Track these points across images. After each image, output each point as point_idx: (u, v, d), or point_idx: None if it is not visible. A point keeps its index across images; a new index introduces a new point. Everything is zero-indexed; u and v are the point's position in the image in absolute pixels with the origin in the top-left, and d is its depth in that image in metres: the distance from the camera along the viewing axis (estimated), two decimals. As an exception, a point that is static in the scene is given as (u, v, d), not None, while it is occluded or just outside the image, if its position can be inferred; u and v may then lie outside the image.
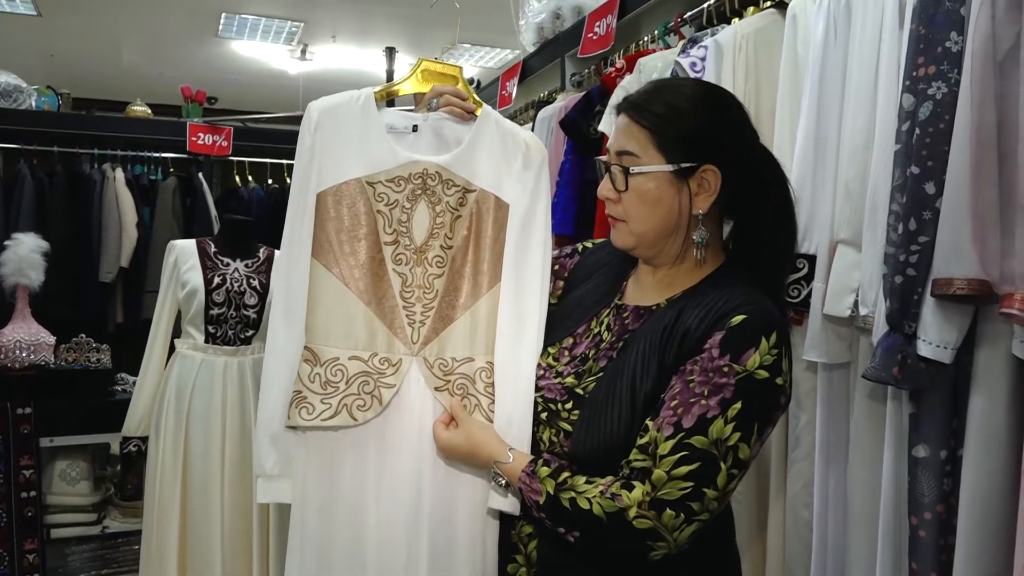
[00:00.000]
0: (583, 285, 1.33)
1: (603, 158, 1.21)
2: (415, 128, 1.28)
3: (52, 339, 3.19)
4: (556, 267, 1.37)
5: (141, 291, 3.88)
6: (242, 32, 6.39)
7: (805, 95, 1.64)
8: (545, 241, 1.30)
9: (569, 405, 1.16)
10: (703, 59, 1.92)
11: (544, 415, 1.19)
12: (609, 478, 1.07)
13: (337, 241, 1.24)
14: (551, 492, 1.08)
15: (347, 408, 1.20)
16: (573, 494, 1.06)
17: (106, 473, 3.65)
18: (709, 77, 1.87)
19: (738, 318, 1.07)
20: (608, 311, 1.25)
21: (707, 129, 1.15)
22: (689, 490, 1.02)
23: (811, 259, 1.61)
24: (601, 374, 1.16)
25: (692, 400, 1.04)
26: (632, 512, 1.03)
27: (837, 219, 1.56)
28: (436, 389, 1.23)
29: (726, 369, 1.04)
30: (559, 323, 1.29)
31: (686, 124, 1.14)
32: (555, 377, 1.22)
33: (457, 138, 1.29)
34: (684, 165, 1.13)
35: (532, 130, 2.81)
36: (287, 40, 6.56)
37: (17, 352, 3.05)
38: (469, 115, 1.30)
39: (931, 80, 1.32)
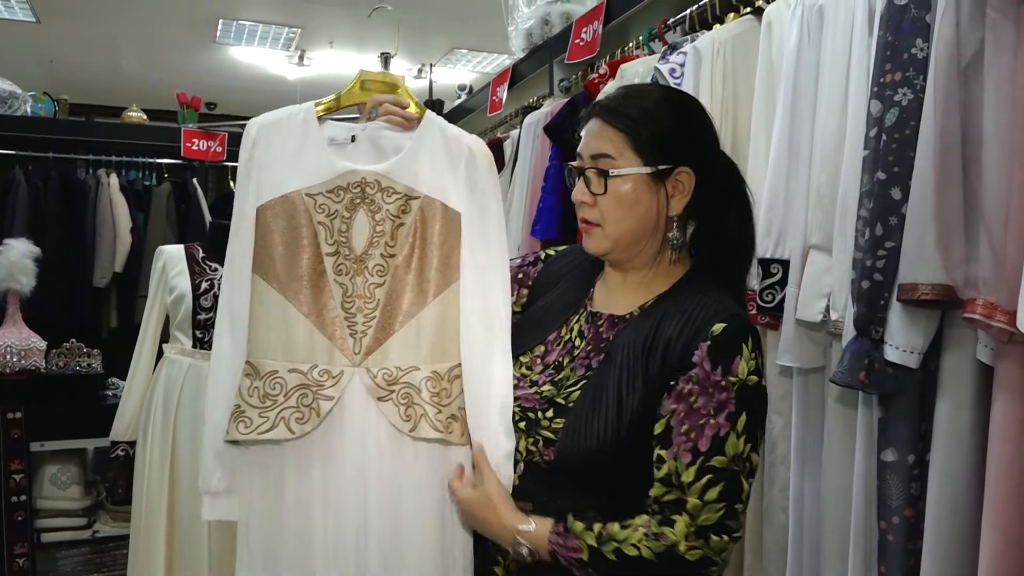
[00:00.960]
0: (549, 293, 1.33)
1: (574, 164, 1.21)
2: (353, 139, 1.27)
3: (43, 344, 3.20)
4: (520, 275, 1.37)
5: (135, 296, 3.90)
6: (240, 38, 6.42)
7: (779, 101, 1.65)
8: (500, 245, 1.28)
9: (550, 414, 1.16)
10: (682, 65, 1.93)
11: (523, 424, 1.18)
12: (643, 518, 1.07)
13: (277, 254, 1.22)
14: (593, 545, 1.06)
15: (284, 421, 1.18)
16: (615, 544, 1.05)
17: (99, 477, 3.66)
18: (688, 83, 1.89)
19: (718, 327, 1.09)
20: (577, 317, 1.25)
21: (679, 131, 1.18)
22: (724, 510, 1.04)
23: (785, 264, 1.62)
24: (583, 382, 1.16)
25: (701, 422, 1.05)
26: (682, 546, 1.03)
27: (809, 224, 1.57)
28: (379, 399, 1.20)
29: (723, 384, 1.06)
30: (528, 331, 1.29)
31: (659, 126, 1.16)
32: (530, 386, 1.21)
33: (396, 147, 1.27)
34: (661, 167, 1.15)
35: (518, 136, 2.83)
36: (285, 46, 6.59)
37: (8, 357, 3.06)
38: (410, 123, 1.28)
39: (897, 87, 1.33)
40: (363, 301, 1.22)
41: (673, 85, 1.90)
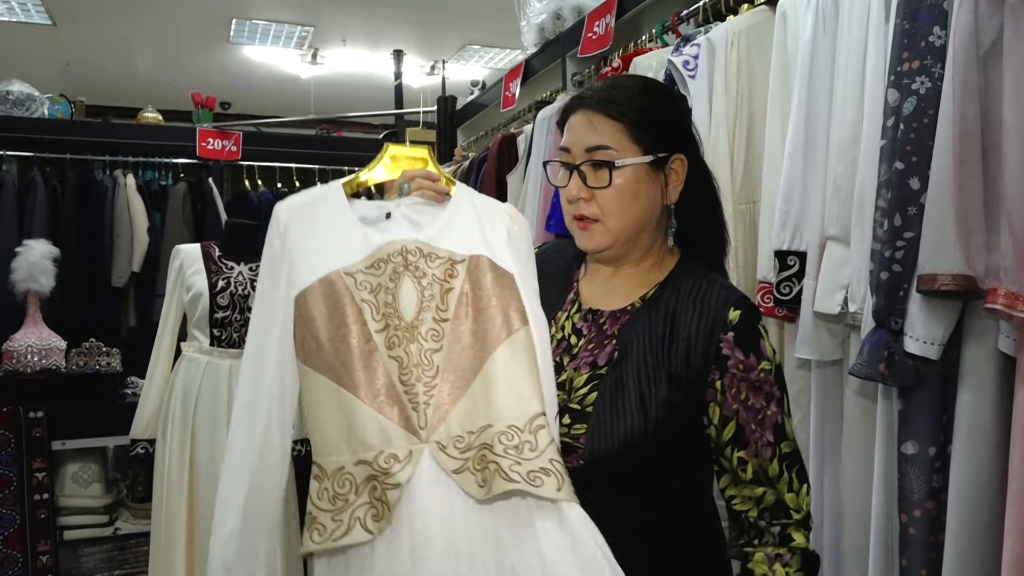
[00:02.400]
0: None
1: (560, 160, 1.19)
2: (388, 216, 1.22)
3: (63, 344, 3.24)
4: None
5: (153, 295, 3.95)
6: (253, 37, 6.44)
7: (795, 91, 1.63)
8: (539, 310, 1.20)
9: (567, 420, 1.14)
10: (696, 57, 1.92)
11: None
12: (760, 555, 1.11)
13: (324, 340, 1.12)
14: None
15: (360, 521, 1.05)
16: None
17: (119, 475, 3.69)
18: (702, 75, 1.87)
19: (734, 314, 1.11)
20: (566, 314, 1.24)
21: (671, 119, 1.19)
22: (805, 489, 1.14)
23: (802, 256, 1.60)
24: (596, 382, 1.14)
25: (761, 417, 1.10)
26: (809, 547, 1.14)
27: (827, 216, 1.55)
28: (455, 472, 1.06)
29: (762, 374, 1.10)
30: None
31: (654, 115, 1.17)
32: None
33: (432, 219, 1.22)
34: (660, 155, 1.15)
35: (532, 130, 2.82)
36: (298, 44, 6.61)
37: (29, 357, 3.10)
38: (443, 197, 1.23)
39: (915, 75, 1.31)
40: (421, 370, 1.11)
41: (687, 77, 1.89)
